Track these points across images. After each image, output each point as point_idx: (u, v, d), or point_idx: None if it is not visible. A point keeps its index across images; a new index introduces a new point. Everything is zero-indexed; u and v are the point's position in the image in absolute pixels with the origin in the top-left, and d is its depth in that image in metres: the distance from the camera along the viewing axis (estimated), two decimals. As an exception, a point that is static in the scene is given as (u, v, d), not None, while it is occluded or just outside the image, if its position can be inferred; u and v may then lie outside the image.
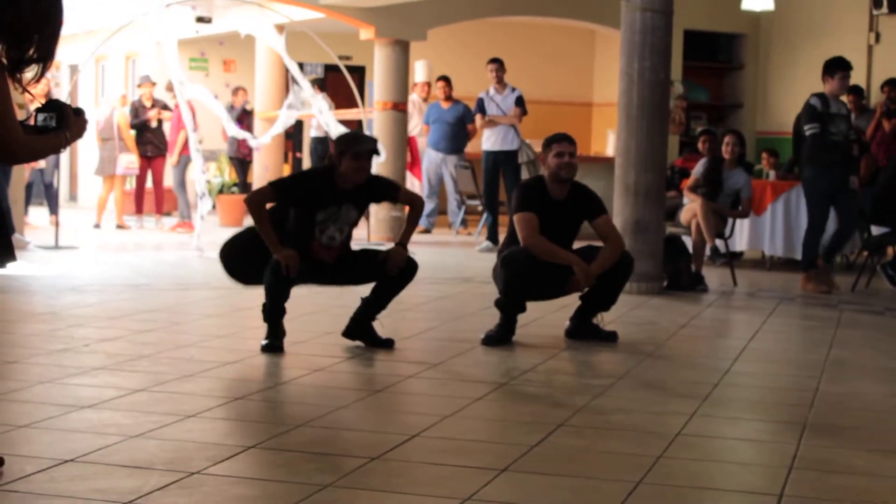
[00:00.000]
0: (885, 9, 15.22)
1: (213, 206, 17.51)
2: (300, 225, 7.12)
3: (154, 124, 16.39)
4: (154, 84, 16.50)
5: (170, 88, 15.05)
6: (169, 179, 16.98)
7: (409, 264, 7.33)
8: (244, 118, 17.97)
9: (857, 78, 15.37)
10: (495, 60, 14.30)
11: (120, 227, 16.14)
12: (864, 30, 15.69)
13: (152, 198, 16.85)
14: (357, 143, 7.05)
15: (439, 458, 4.64)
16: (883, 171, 11.93)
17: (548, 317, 8.96)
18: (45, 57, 4.09)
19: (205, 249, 12.38)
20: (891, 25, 15.37)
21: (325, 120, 14.21)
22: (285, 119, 14.36)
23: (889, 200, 11.08)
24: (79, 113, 4.20)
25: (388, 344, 7.28)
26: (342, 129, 14.39)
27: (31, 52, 4.03)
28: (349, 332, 7.34)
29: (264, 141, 15.35)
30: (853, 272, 11.55)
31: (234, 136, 15.14)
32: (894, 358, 7.60)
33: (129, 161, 16.25)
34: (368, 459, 4.54)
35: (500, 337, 7.46)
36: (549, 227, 7.35)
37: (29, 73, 4.07)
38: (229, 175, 17.60)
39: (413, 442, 4.86)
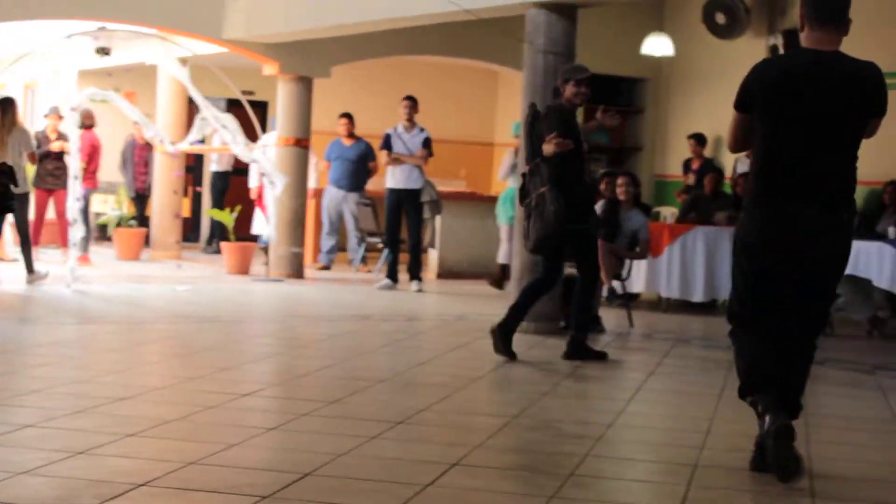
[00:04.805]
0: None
1: (110, 238, 17.36)
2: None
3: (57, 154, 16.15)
4: (61, 117, 16.30)
5: (61, 117, 14.94)
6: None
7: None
8: (145, 150, 17.82)
9: (753, 124, 15.67)
10: (410, 98, 14.33)
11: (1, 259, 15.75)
12: (761, 77, 15.96)
13: (55, 229, 16.57)
14: (577, 72, 8.91)
15: (331, 496, 4.62)
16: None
17: (445, 356, 8.98)
18: None
19: (72, 283, 12.22)
20: (786, 73, 15.65)
21: (237, 150, 14.29)
22: (200, 127, 14.45)
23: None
24: None
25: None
26: (258, 154, 14.41)
27: None
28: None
29: (182, 147, 15.32)
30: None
31: (153, 135, 15.32)
32: (785, 400, 7.70)
33: None
34: (259, 498, 4.50)
35: None
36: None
37: None
38: (127, 208, 17.41)
39: (305, 481, 4.83)
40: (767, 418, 5.11)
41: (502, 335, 8.73)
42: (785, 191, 5.20)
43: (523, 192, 8.96)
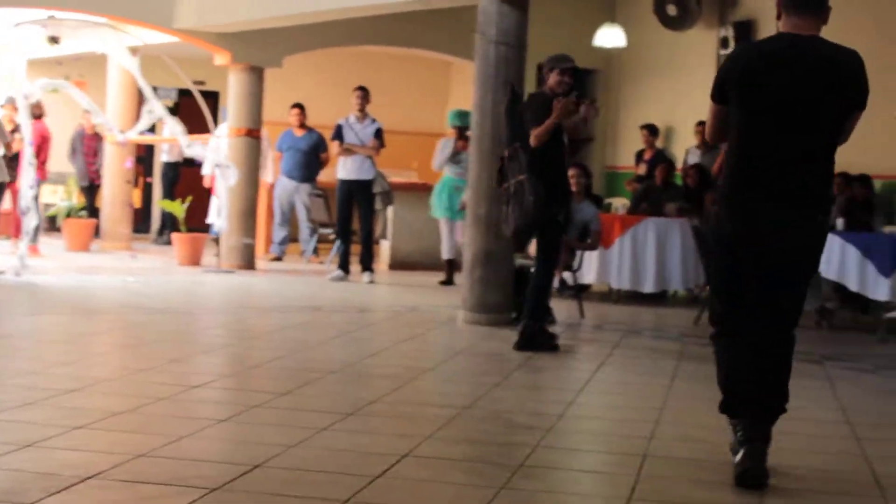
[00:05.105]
0: (731, 48, 15.63)
1: (59, 229, 17.23)
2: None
3: (14, 148, 16.00)
4: (17, 109, 16.14)
5: (14, 108, 14.81)
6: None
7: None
8: (94, 140, 17.71)
9: (704, 115, 15.75)
10: (361, 88, 14.29)
11: None
12: (712, 68, 16.06)
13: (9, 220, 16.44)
14: (561, 61, 9.00)
15: (281, 488, 4.61)
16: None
17: (397, 347, 8.99)
18: None
19: (18, 272, 12.15)
20: (737, 65, 15.75)
21: (181, 142, 14.24)
22: (148, 119, 14.43)
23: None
24: None
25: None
26: (199, 150, 14.35)
27: None
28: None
29: (130, 136, 15.26)
30: (696, 306, 11.79)
31: (101, 122, 15.28)
32: (734, 391, 7.75)
33: None
34: (209, 490, 4.49)
35: None
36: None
37: None
38: (77, 199, 17.29)
39: (255, 472, 4.82)
40: (740, 433, 5.09)
41: (531, 337, 8.91)
42: (755, 183, 5.05)
43: (501, 176, 9.06)
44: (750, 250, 5.10)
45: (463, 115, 13.51)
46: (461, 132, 13.60)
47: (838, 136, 5.10)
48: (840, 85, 4.99)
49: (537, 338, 8.93)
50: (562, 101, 8.78)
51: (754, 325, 5.15)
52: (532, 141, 8.79)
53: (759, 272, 5.11)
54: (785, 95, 4.99)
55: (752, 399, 5.13)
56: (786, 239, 5.04)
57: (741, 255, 5.12)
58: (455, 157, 13.79)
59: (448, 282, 13.94)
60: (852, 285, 10.44)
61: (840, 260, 10.51)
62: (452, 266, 13.79)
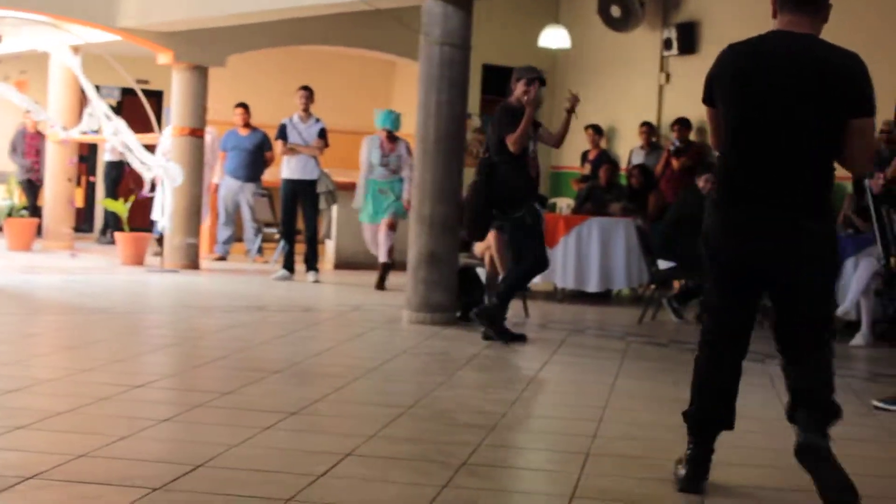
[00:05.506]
0: (674, 50, 15.74)
1: (0, 229, 17.07)
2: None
3: None
4: None
5: None
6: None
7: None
8: (36, 139, 17.56)
9: (648, 116, 15.88)
10: (306, 88, 14.24)
11: None
12: (655, 69, 16.18)
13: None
14: (527, 72, 9.44)
15: (223, 488, 4.60)
16: (671, 207, 12.30)
17: (341, 346, 8.98)
18: None
19: None
20: (680, 66, 15.89)
21: (121, 141, 14.09)
22: (88, 122, 14.30)
23: (676, 236, 11.43)
24: None
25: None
26: (144, 152, 14.25)
27: None
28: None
29: (73, 135, 15.13)
30: (640, 305, 11.85)
31: (44, 118, 15.14)
32: (676, 388, 7.80)
33: None
34: (151, 490, 4.47)
35: None
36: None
37: None
38: (18, 198, 17.13)
39: (198, 472, 4.80)
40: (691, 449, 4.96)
41: (491, 321, 9.42)
42: (742, 190, 4.75)
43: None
44: (743, 264, 4.82)
45: (392, 117, 13.44)
46: (390, 134, 13.52)
47: (833, 140, 4.66)
48: (830, 88, 4.59)
49: (498, 320, 9.41)
50: (531, 94, 9.30)
51: (740, 343, 4.96)
52: (512, 147, 9.25)
53: (743, 280, 4.86)
54: (771, 97, 4.67)
55: (714, 418, 4.98)
56: (765, 244, 4.73)
57: (726, 263, 4.86)
58: (383, 160, 13.58)
59: (381, 285, 13.35)
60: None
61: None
62: (386, 269, 13.38)
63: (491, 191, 9.41)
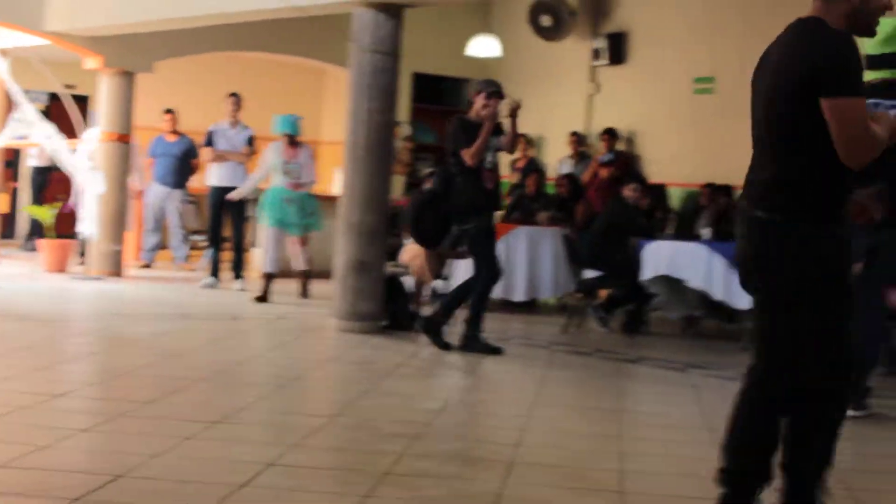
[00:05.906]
0: (604, 60, 15.84)
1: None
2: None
3: None
4: None
5: None
6: None
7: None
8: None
9: (577, 125, 15.98)
10: (234, 95, 14.17)
11: None
12: (585, 79, 16.28)
13: None
14: (487, 86, 9.59)
15: (144, 498, 4.57)
16: (598, 216, 12.36)
17: (266, 355, 8.95)
18: None
19: None
20: (610, 76, 16.00)
21: (52, 146, 13.96)
22: (13, 129, 14.13)
23: (604, 245, 11.51)
24: None
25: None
26: (70, 158, 14.10)
27: None
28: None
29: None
30: (565, 314, 11.90)
31: None
32: (599, 398, 7.88)
33: None
34: (69, 501, 4.43)
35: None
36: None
37: None
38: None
39: (118, 482, 4.76)
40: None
41: (431, 330, 9.61)
42: (744, 188, 4.39)
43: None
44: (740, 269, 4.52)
45: (290, 121, 13.08)
46: (291, 139, 13.04)
47: (800, 128, 4.15)
48: (791, 66, 4.14)
49: (473, 342, 9.49)
50: (491, 109, 9.45)
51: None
52: (469, 160, 9.35)
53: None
54: (757, 88, 4.34)
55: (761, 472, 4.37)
56: (740, 246, 4.43)
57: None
58: (284, 166, 12.97)
59: (263, 298, 12.65)
60: (718, 294, 10.60)
61: (707, 269, 10.69)
62: (270, 280, 12.87)
63: (447, 202, 9.53)
